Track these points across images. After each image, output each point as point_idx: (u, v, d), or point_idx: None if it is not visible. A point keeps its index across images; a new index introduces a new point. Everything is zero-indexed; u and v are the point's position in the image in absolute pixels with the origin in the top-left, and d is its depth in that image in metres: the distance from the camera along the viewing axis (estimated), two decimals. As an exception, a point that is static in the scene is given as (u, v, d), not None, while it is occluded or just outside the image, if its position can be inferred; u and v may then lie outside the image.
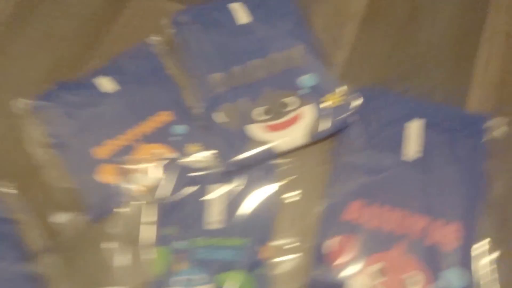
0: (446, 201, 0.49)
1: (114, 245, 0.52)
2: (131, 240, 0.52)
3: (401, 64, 0.60)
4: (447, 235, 0.48)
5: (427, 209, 0.49)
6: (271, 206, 0.53)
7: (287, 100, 0.56)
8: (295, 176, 0.55)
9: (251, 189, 0.53)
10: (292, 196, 0.54)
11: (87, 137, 0.56)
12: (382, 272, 0.47)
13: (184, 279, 0.50)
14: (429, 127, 0.53)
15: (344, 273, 0.48)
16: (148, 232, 0.52)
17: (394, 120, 0.54)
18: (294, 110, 0.55)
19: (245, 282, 0.49)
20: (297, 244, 0.51)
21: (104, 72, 0.60)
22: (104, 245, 0.52)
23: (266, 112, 0.56)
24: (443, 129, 0.53)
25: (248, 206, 0.52)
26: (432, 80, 0.59)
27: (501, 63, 0.59)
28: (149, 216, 0.53)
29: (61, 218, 0.53)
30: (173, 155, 0.56)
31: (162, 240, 0.52)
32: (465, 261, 0.47)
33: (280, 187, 0.54)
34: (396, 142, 0.53)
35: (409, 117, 0.54)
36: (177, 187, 0.54)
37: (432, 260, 0.47)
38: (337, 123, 0.54)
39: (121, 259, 0.51)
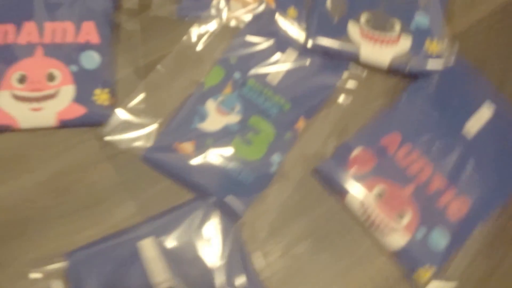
0: (472, 179, 0.51)
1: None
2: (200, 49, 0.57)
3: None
4: (452, 203, 0.50)
5: (450, 174, 0.51)
6: (324, 94, 0.55)
7: (395, 24, 0.57)
8: (355, 84, 0.57)
9: (313, 70, 0.56)
10: (344, 97, 0.56)
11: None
12: (381, 195, 0.50)
13: (222, 100, 0.53)
14: (497, 116, 0.54)
15: (351, 180, 0.51)
16: (215, 50, 0.56)
17: (471, 98, 0.56)
18: (394, 34, 0.57)
19: (267, 133, 0.52)
20: (328, 134, 0.54)
21: None
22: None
23: (370, 22, 0.57)
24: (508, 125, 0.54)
25: (304, 82, 0.55)
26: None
27: None
28: (222, 35, 0.57)
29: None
30: (273, 5, 0.58)
31: (222, 62, 0.55)
32: (456, 233, 0.49)
33: (338, 84, 0.56)
34: (462, 116, 0.54)
35: (485, 99, 0.55)
36: (259, 31, 0.57)
37: (428, 211, 0.50)
38: (421, 68, 0.56)
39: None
